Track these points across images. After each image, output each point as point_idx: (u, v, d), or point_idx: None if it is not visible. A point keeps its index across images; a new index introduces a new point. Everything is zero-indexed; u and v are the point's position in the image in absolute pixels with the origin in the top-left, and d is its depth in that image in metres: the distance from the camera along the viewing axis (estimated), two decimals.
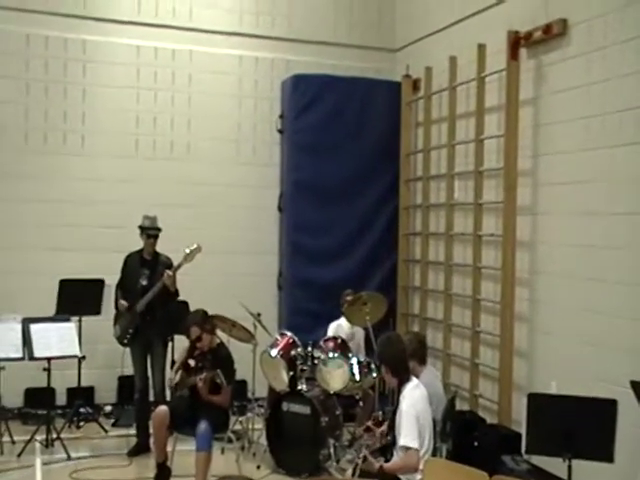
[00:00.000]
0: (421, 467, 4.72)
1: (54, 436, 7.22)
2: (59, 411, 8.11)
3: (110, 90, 8.80)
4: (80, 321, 7.84)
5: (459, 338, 8.12)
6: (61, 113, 8.65)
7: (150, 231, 7.26)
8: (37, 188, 8.47)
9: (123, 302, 7.23)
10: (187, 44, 9.08)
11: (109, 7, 8.77)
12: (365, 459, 4.81)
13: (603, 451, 4.49)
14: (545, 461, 6.03)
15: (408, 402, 4.98)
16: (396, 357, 5.19)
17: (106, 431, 7.83)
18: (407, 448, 4.85)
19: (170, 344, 7.59)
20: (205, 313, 6.52)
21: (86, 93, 8.73)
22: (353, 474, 4.87)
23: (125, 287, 7.34)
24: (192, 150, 9.13)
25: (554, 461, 4.92)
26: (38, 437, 7.22)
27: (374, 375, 7.07)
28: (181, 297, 7.37)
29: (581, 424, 4.50)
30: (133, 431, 7.36)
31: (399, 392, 5.12)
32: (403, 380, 5.12)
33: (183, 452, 6.38)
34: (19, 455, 6.97)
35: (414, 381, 5.16)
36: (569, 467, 4.55)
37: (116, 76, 8.82)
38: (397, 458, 4.98)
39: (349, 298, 7.64)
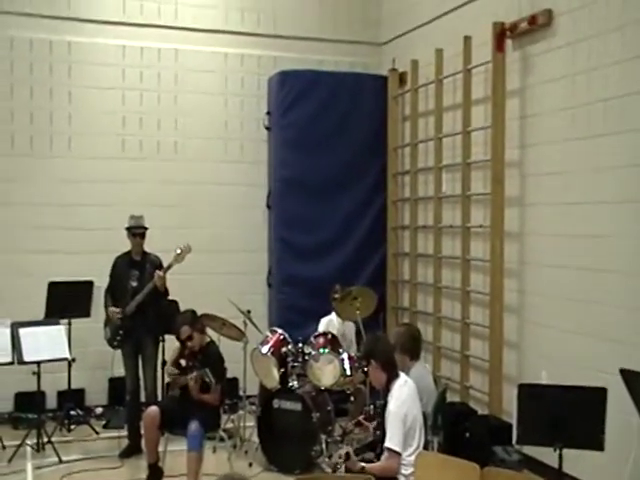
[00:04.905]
0: (413, 461, 4.71)
1: (45, 440, 7.18)
2: (50, 414, 8.06)
3: (96, 91, 8.75)
4: (70, 323, 7.79)
5: (449, 330, 8.12)
6: (47, 115, 8.60)
7: (136, 230, 7.22)
8: (24, 191, 8.43)
9: (114, 309, 7.17)
10: (172, 43, 9.04)
11: (93, 7, 8.72)
12: (348, 456, 4.74)
13: (593, 439, 4.50)
14: (536, 451, 6.07)
15: (396, 402, 4.97)
16: (386, 352, 5.22)
17: (97, 433, 7.80)
18: (389, 450, 4.86)
19: (161, 344, 7.55)
20: (194, 312, 6.50)
21: (72, 94, 8.68)
22: (333, 471, 4.78)
23: (115, 290, 7.29)
24: (179, 149, 9.08)
25: (545, 450, 4.93)
26: (29, 441, 7.18)
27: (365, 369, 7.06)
28: (171, 296, 7.32)
29: (571, 413, 4.50)
30: (124, 432, 7.31)
31: (387, 389, 5.10)
32: (392, 377, 5.11)
33: (175, 452, 6.36)
34: (10, 460, 6.91)
35: (402, 377, 5.14)
36: (560, 456, 4.55)
37: (102, 77, 8.76)
38: (383, 458, 4.97)
39: (337, 295, 7.63)
